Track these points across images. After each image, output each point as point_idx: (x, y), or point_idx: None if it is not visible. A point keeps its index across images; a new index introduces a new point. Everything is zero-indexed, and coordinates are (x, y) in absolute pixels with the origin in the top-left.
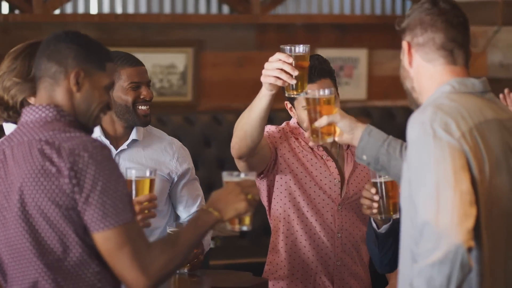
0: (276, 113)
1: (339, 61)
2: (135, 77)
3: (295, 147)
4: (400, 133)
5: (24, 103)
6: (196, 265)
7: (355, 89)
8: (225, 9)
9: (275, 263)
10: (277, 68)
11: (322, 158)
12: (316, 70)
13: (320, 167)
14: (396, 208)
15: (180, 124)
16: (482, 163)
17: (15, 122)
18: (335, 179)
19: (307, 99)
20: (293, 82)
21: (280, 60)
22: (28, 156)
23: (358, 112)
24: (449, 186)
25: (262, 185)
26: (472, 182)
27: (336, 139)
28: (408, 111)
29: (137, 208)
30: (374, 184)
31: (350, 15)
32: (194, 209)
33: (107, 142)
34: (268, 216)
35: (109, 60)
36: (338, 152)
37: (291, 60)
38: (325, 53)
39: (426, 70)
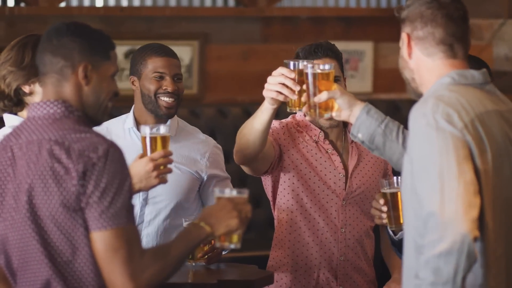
0: (282, 106)
1: (344, 54)
2: (160, 67)
3: (299, 143)
4: (405, 126)
5: (19, 92)
6: (213, 258)
7: (361, 82)
8: (231, 2)
9: (279, 259)
10: (279, 82)
11: (327, 152)
12: (322, 48)
13: (325, 161)
14: None
15: (186, 117)
16: (485, 153)
17: (15, 113)
18: (339, 173)
19: (306, 73)
20: (295, 97)
21: (282, 74)
22: (38, 156)
23: None
24: (453, 177)
25: (267, 181)
26: (475, 172)
27: (334, 114)
28: (413, 104)
29: (151, 165)
30: (383, 195)
31: (355, 8)
32: None
33: (138, 133)
34: (272, 211)
35: (112, 48)
36: (343, 146)
37: (293, 75)
38: None
39: (425, 64)
